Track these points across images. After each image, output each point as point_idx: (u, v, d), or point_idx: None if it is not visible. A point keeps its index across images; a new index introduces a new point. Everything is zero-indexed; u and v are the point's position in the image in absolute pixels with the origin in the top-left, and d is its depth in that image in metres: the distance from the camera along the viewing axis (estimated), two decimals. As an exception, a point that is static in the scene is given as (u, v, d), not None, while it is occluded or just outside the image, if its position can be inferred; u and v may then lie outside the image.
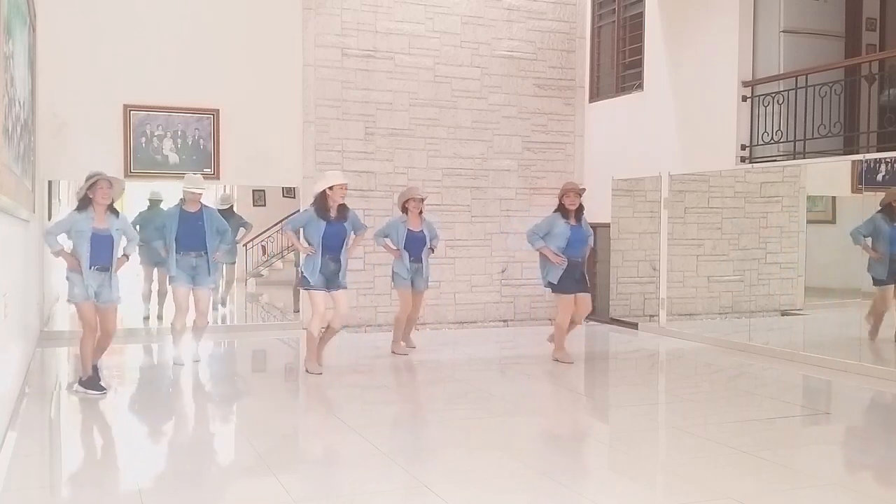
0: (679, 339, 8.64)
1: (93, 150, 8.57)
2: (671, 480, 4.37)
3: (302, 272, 6.88)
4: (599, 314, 10.29)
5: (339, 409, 5.69)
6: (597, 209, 10.20)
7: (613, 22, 10.25)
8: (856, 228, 7.78)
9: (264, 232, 12.58)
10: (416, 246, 7.69)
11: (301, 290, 7.52)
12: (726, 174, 8.83)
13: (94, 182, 5.82)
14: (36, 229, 7.43)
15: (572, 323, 7.45)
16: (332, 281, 6.81)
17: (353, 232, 6.93)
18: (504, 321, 10.10)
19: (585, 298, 7.37)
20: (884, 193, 7.54)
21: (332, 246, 6.76)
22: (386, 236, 7.75)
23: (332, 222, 6.73)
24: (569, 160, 10.47)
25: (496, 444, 4.97)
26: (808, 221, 8.82)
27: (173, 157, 8.83)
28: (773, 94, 7.97)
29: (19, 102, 5.60)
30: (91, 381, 5.93)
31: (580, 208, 7.34)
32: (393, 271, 7.79)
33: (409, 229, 7.66)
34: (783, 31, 8.07)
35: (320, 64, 9.32)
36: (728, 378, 7.30)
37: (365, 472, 4.33)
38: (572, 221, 7.28)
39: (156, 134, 8.80)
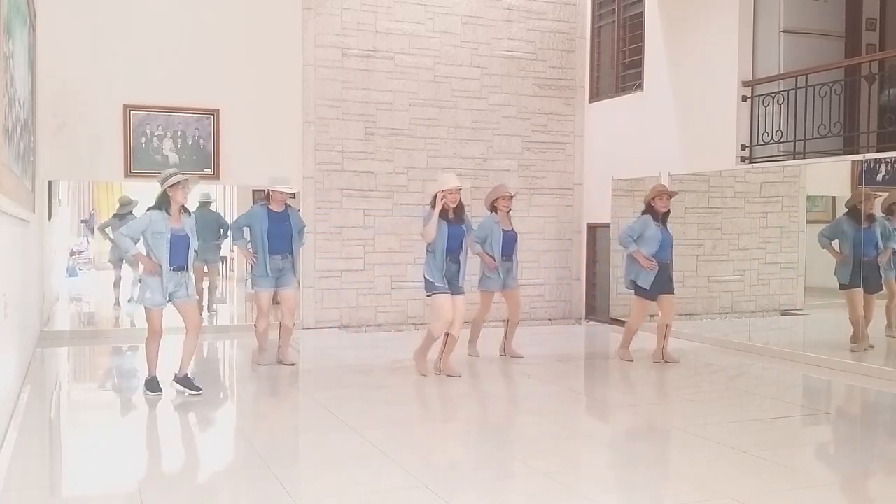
0: (679, 339, 8.62)
1: (93, 150, 8.59)
2: (671, 480, 4.37)
3: (426, 277, 6.74)
4: (599, 314, 10.30)
5: (339, 409, 5.69)
6: (597, 209, 10.23)
7: (613, 22, 10.25)
8: (821, 231, 7.81)
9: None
10: (508, 245, 7.55)
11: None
12: (726, 174, 8.83)
13: (177, 182, 5.80)
14: (36, 229, 7.43)
15: (666, 327, 7.44)
16: (452, 284, 6.73)
17: (469, 233, 6.87)
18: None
19: (671, 299, 7.43)
20: (870, 194, 7.54)
21: (453, 247, 6.70)
22: (483, 242, 7.48)
23: (453, 224, 6.69)
24: (569, 160, 10.47)
25: (495, 443, 4.97)
26: (808, 221, 8.81)
27: (173, 157, 8.82)
28: (773, 94, 7.97)
29: (19, 102, 5.60)
30: (153, 382, 5.92)
31: (668, 211, 7.38)
32: (483, 274, 7.56)
33: (502, 229, 7.55)
34: (783, 31, 8.07)
35: (320, 64, 9.32)
36: (728, 378, 7.30)
37: (365, 472, 4.33)
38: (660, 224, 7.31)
39: (156, 134, 8.79)
